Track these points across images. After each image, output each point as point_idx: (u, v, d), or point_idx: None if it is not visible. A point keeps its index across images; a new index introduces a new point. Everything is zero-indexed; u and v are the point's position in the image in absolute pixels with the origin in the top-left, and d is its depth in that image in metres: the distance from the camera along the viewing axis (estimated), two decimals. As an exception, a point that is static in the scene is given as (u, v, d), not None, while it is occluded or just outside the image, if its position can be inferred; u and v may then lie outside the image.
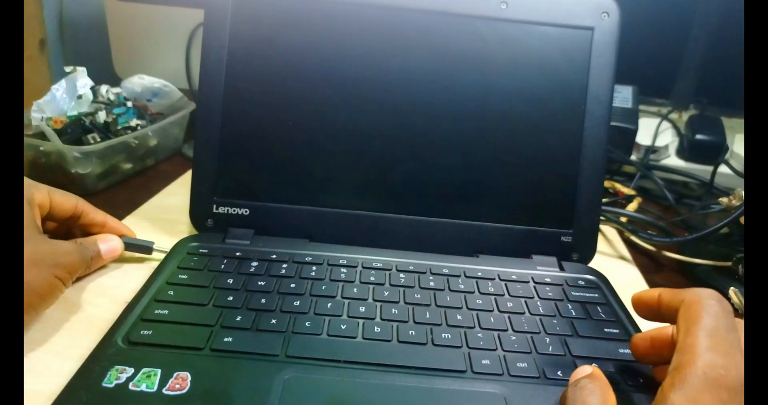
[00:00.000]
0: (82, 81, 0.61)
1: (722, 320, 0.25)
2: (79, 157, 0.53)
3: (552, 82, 0.44)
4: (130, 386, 0.27)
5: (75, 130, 0.56)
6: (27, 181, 0.37)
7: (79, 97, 0.60)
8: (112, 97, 0.63)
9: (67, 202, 0.39)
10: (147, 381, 0.28)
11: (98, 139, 0.56)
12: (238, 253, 0.41)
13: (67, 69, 0.61)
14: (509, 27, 0.44)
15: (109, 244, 0.40)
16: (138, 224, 0.50)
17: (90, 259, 0.38)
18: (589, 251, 0.45)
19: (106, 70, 0.82)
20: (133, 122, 0.61)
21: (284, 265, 0.40)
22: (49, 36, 0.88)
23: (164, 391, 0.27)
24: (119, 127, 0.59)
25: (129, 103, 0.63)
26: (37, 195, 0.37)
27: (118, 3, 0.79)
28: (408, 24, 0.44)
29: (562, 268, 0.44)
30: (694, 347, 0.23)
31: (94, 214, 0.41)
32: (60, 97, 0.58)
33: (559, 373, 0.32)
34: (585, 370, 0.28)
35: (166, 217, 0.50)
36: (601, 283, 0.42)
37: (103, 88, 0.63)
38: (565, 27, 0.44)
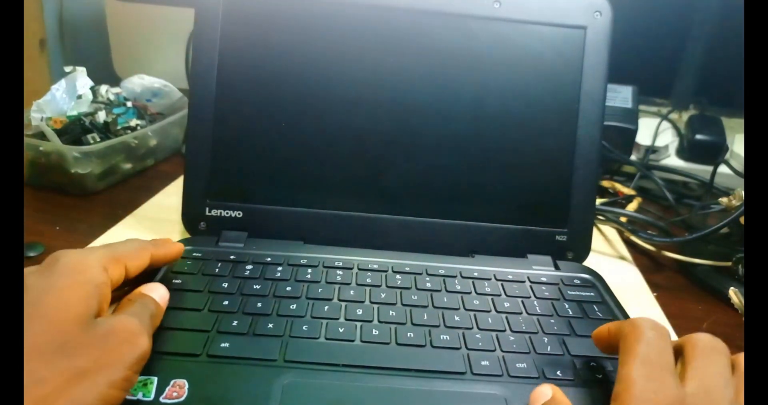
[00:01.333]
0: (82, 81, 0.61)
1: (654, 346, 0.26)
2: (79, 157, 0.53)
3: (545, 81, 0.44)
4: (126, 395, 0.27)
5: (75, 130, 0.56)
6: (101, 258, 0.29)
7: (79, 97, 0.60)
8: (111, 97, 0.63)
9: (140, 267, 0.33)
10: (144, 389, 0.27)
11: (98, 139, 0.56)
12: (232, 257, 0.40)
13: (67, 69, 0.61)
14: (502, 26, 0.44)
15: (159, 293, 0.32)
16: (138, 224, 0.50)
17: (154, 324, 0.30)
18: (584, 250, 0.45)
19: (106, 70, 0.82)
20: (133, 122, 0.61)
21: (279, 268, 0.39)
22: (49, 36, 0.88)
23: (162, 399, 0.27)
24: (119, 127, 0.59)
25: (129, 103, 0.63)
26: (112, 270, 0.30)
27: (118, 3, 0.79)
28: (400, 23, 0.43)
29: (557, 267, 0.44)
30: (629, 376, 0.25)
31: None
32: (60, 97, 0.58)
33: (558, 373, 0.32)
34: (545, 393, 0.28)
35: (166, 218, 0.50)
36: (597, 282, 0.42)
37: (103, 88, 0.63)
38: (557, 26, 0.44)
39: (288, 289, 0.37)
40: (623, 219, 0.56)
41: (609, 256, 0.52)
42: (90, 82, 0.62)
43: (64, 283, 0.26)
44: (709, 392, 0.24)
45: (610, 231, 0.57)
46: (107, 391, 0.24)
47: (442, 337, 0.34)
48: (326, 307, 0.35)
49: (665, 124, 0.74)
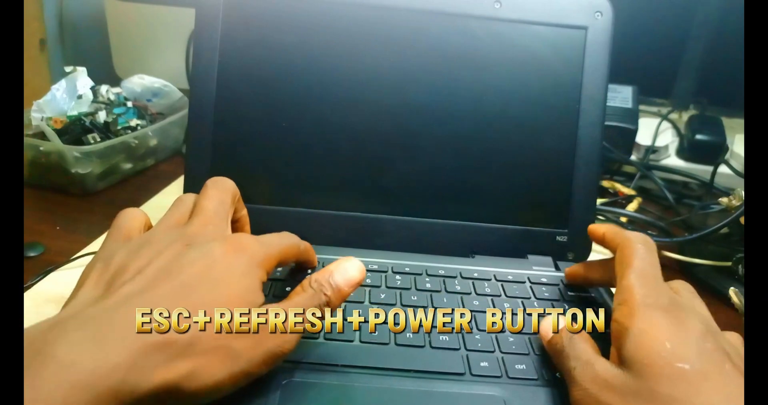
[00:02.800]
0: (82, 81, 0.61)
1: (648, 260, 0.32)
2: (79, 157, 0.53)
3: (546, 81, 0.44)
4: None
5: (75, 130, 0.56)
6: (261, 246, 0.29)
7: (79, 97, 0.60)
8: (112, 97, 0.63)
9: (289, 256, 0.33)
10: None
11: (98, 139, 0.56)
12: None
13: (67, 69, 0.61)
14: (503, 26, 0.44)
15: (346, 274, 0.29)
16: (138, 224, 0.50)
17: (325, 305, 0.28)
18: (585, 251, 0.45)
19: (106, 70, 0.82)
20: (133, 122, 0.61)
21: (279, 269, 0.39)
22: (49, 36, 0.88)
23: None
24: (119, 127, 0.59)
25: (129, 103, 0.63)
26: (270, 270, 0.30)
27: (118, 3, 0.79)
28: (401, 24, 0.43)
29: (557, 268, 0.44)
30: (631, 287, 0.30)
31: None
32: (60, 97, 0.58)
33: (557, 374, 0.32)
34: (549, 324, 0.32)
35: (165, 217, 0.50)
36: None
37: (103, 88, 0.63)
38: (558, 26, 0.44)
39: (287, 289, 0.37)
40: (623, 219, 0.56)
41: (609, 257, 0.52)
42: (90, 82, 0.62)
43: (245, 271, 0.28)
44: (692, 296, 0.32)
45: (610, 231, 0.57)
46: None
47: (441, 337, 0.34)
48: None
49: (665, 124, 0.74)
